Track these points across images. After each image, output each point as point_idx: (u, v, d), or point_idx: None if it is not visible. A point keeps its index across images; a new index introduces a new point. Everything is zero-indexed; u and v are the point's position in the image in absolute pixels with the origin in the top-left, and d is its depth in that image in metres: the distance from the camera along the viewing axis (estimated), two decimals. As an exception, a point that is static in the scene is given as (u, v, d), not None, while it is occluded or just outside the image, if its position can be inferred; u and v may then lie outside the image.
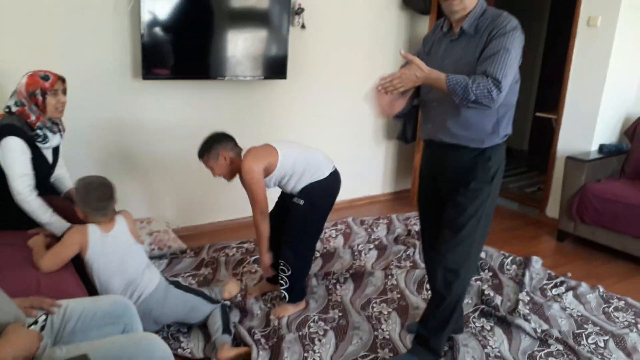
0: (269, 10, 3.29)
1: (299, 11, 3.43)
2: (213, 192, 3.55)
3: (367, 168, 4.25)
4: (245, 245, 3.34)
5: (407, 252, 3.28)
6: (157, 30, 2.96)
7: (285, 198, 2.57)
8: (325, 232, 3.58)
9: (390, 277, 2.99)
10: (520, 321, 2.54)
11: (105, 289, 2.06)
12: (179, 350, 2.25)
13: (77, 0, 2.78)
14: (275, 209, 2.64)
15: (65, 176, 2.53)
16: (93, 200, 2.02)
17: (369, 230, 3.69)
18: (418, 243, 3.35)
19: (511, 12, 1.87)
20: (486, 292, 2.80)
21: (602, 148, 3.71)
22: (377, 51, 4.01)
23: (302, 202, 2.43)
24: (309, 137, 3.82)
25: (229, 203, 3.65)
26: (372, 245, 3.42)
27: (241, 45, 3.26)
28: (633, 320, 2.64)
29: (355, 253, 3.30)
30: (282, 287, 2.53)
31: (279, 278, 2.54)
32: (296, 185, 2.45)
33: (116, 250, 2.07)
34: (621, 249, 3.32)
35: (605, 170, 3.61)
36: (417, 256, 3.25)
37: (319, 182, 2.45)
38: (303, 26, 3.50)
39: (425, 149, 2.17)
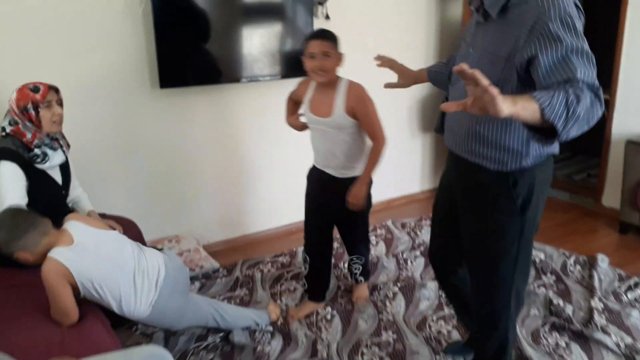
0: (291, 1, 3.01)
1: (323, 1, 3.15)
2: (243, 203, 3.32)
3: (403, 164, 3.96)
4: (280, 259, 3.10)
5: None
6: (172, 33, 2.71)
7: (326, 202, 2.36)
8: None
9: (385, 305, 2.59)
10: (599, 335, 2.24)
11: (122, 300, 1.81)
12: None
13: (82, 4, 2.54)
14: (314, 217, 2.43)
15: (82, 198, 2.32)
16: (20, 232, 1.67)
17: (412, 234, 3.41)
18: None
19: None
20: (554, 302, 2.51)
21: (664, 129, 3.36)
22: (408, 39, 3.70)
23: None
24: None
25: (260, 214, 3.41)
26: (418, 252, 3.14)
27: (264, 44, 3.00)
28: None
29: (401, 262, 3.03)
30: (357, 275, 2.58)
31: (353, 268, 2.56)
32: None
33: (98, 252, 1.79)
34: (696, 240, 2.98)
35: (671, 154, 3.26)
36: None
37: None
38: (327, 17, 3.21)
39: (448, 157, 1.77)
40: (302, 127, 2.39)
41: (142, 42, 2.72)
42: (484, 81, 1.06)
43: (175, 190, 3.05)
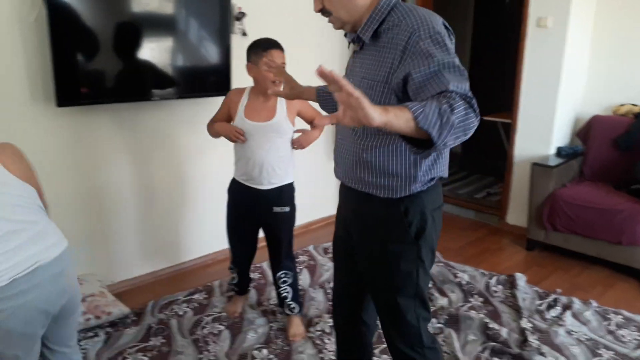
0: (207, 17, 2.76)
1: (240, 16, 2.93)
2: (149, 235, 2.95)
3: (322, 187, 3.84)
4: (196, 296, 2.79)
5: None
6: (71, 44, 2.31)
7: (254, 216, 2.39)
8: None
9: (324, 342, 2.40)
10: (537, 357, 2.28)
11: None
12: None
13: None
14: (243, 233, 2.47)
15: None
16: None
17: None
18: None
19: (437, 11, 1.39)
20: (490, 326, 2.52)
21: (560, 151, 3.63)
22: (327, 55, 3.62)
23: (287, 208, 2.36)
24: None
25: (169, 247, 3.06)
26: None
27: (176, 60, 2.70)
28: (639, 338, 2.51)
29: (328, 291, 2.88)
30: (288, 300, 2.44)
31: (282, 290, 2.44)
32: None
33: None
34: (596, 255, 3.22)
35: (567, 174, 3.52)
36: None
37: None
38: (244, 33, 3.00)
39: (340, 189, 1.65)
40: (227, 132, 2.28)
41: (33, 54, 2.29)
42: (344, 82, 0.99)
43: (70, 222, 2.60)
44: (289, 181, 2.36)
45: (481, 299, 2.82)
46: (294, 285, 2.46)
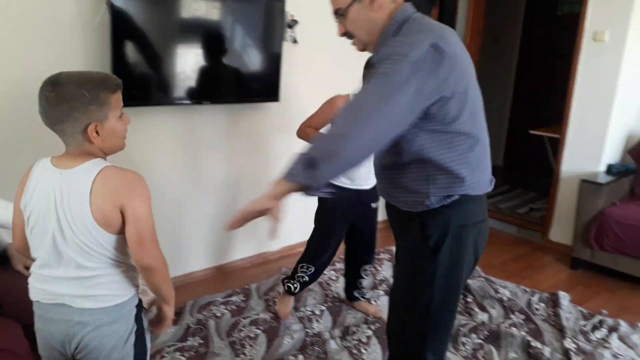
0: (263, 23, 2.82)
1: (292, 24, 2.97)
2: (192, 235, 3.01)
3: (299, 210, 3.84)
4: (234, 298, 2.82)
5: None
6: (129, 48, 2.40)
7: (351, 216, 2.52)
8: (268, 295, 2.95)
9: (361, 352, 2.38)
10: (582, 380, 2.20)
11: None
12: None
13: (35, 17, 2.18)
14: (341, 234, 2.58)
15: None
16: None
17: (324, 285, 3.06)
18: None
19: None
20: (532, 344, 2.45)
21: (610, 169, 3.51)
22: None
23: (378, 203, 2.53)
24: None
25: (209, 248, 3.11)
26: (324, 307, 2.80)
27: (227, 66, 2.76)
28: (692, 366, 2.39)
29: (304, 320, 2.67)
30: (364, 288, 2.73)
31: (362, 280, 2.69)
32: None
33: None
34: (646, 277, 3.09)
35: (618, 193, 3.40)
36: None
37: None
38: (295, 41, 3.04)
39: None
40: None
41: (94, 55, 2.38)
42: (237, 217, 1.33)
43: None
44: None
45: (522, 316, 2.75)
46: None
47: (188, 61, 2.60)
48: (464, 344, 2.48)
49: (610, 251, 3.17)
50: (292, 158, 1.28)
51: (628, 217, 3.11)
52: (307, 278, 2.59)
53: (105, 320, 1.32)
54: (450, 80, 1.27)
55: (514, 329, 2.61)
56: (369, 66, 1.54)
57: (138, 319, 1.40)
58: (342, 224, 2.54)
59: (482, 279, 3.15)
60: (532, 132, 4.22)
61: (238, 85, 2.86)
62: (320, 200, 2.50)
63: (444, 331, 1.50)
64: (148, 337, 1.47)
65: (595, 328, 2.66)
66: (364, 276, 2.69)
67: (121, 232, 1.30)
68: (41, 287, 1.33)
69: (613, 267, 3.23)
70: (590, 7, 3.39)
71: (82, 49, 2.36)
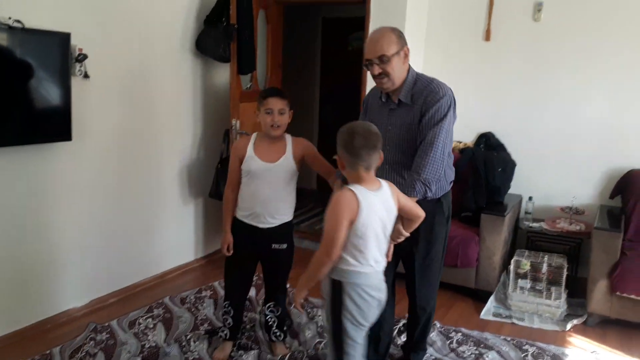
0: (46, 59, 2.57)
1: (81, 58, 2.77)
2: None
3: (175, 233, 3.70)
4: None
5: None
6: None
7: (254, 254, 2.56)
8: (139, 324, 2.92)
9: None
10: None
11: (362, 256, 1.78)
12: None
13: None
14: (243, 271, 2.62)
15: None
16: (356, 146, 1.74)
17: (192, 309, 3.15)
18: (257, 316, 3.00)
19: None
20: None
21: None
22: (175, 103, 3.55)
23: (285, 245, 2.54)
24: (101, 209, 3.13)
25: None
26: (203, 331, 2.89)
27: (10, 103, 2.45)
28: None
29: (184, 345, 2.72)
30: (274, 328, 2.67)
31: (269, 319, 2.66)
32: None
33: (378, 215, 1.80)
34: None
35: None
36: (259, 333, 2.87)
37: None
38: (86, 75, 2.83)
39: None
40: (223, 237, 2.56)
41: None
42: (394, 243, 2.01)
43: None
44: (288, 219, 2.54)
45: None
46: (281, 316, 2.67)
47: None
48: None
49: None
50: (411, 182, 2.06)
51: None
52: (231, 322, 2.62)
53: None
54: None
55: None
56: (385, 101, 2.25)
57: None
58: (241, 261, 2.56)
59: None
60: (334, 157, 4.54)
61: (21, 125, 2.56)
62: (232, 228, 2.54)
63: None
64: None
65: (399, 331, 2.94)
66: (268, 314, 2.66)
67: None
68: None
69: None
70: (371, 44, 3.84)
71: None
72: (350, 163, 1.76)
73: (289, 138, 2.49)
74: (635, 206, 3.38)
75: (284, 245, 2.54)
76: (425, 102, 2.10)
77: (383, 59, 2.07)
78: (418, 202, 2.04)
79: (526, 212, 3.75)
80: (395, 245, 2.01)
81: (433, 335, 2.90)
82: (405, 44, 2.14)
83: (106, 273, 3.22)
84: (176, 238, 3.73)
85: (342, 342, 1.83)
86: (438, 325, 3.01)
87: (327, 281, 1.82)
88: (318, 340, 2.81)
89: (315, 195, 5.99)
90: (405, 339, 2.69)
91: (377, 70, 2.10)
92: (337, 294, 1.79)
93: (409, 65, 2.19)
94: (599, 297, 3.07)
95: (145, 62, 3.28)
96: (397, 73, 2.10)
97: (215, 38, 3.55)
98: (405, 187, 2.04)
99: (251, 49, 3.72)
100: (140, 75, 3.26)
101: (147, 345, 2.70)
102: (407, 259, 2.34)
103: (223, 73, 3.88)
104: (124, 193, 3.25)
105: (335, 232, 1.70)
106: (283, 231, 2.52)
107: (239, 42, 3.59)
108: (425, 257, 2.29)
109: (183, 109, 3.64)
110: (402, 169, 2.19)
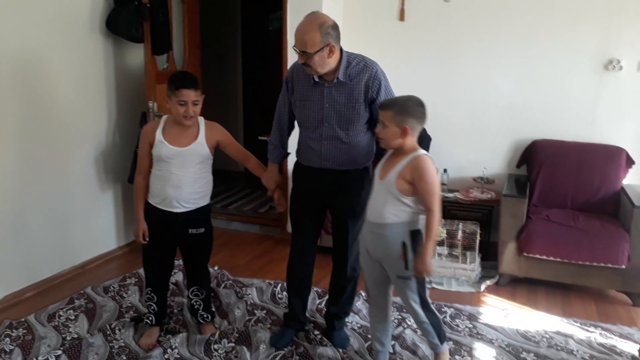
0: None
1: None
2: None
3: (94, 222, 3.56)
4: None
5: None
6: None
7: (171, 239, 2.53)
8: (59, 317, 2.81)
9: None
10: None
11: None
12: None
13: None
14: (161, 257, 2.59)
15: None
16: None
17: (117, 298, 3.07)
18: (185, 300, 2.97)
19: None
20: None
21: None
22: (83, 86, 3.38)
23: (202, 229, 2.53)
24: (3, 202, 2.96)
25: None
26: (128, 318, 2.84)
27: None
28: (398, 316, 2.92)
29: (109, 334, 2.66)
30: (200, 311, 2.68)
31: (194, 302, 2.67)
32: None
33: None
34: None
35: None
36: (188, 317, 2.85)
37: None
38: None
39: (309, 172, 2.46)
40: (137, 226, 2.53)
41: None
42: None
43: None
44: (205, 204, 2.52)
45: (265, 311, 2.96)
46: (206, 299, 2.68)
47: None
48: (216, 350, 2.55)
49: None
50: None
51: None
52: (154, 306, 2.59)
53: None
54: None
55: (260, 324, 2.79)
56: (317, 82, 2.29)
57: None
58: (159, 247, 2.53)
59: (231, 281, 3.28)
60: (260, 137, 4.55)
61: None
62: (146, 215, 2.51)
63: None
64: None
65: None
66: (192, 297, 2.66)
67: None
68: None
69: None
70: (289, 24, 3.84)
71: None
72: (417, 131, 2.08)
73: (202, 122, 2.47)
74: (538, 173, 3.67)
75: (202, 230, 2.53)
76: (367, 82, 2.26)
77: (305, 54, 2.13)
78: (350, 171, 2.36)
79: (442, 184, 3.95)
80: (331, 213, 2.48)
81: (358, 304, 3.02)
82: (332, 40, 2.14)
83: (19, 267, 3.06)
84: (95, 226, 3.59)
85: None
86: (363, 294, 3.13)
87: (402, 235, 2.07)
88: (247, 318, 2.85)
89: (242, 178, 5.96)
90: (326, 310, 2.76)
91: (301, 60, 2.17)
92: (418, 244, 2.06)
93: (340, 49, 2.23)
94: (508, 259, 3.32)
95: (47, 44, 3.10)
96: (320, 66, 2.17)
97: (127, 17, 3.40)
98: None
99: (166, 28, 3.61)
100: (42, 57, 3.07)
101: (68, 338, 2.62)
102: (340, 227, 2.47)
103: (138, 54, 3.74)
104: (29, 183, 3.08)
105: (438, 190, 2.03)
106: (199, 216, 2.51)
107: (153, 22, 3.47)
108: (356, 224, 2.40)
109: (93, 92, 3.48)
110: (339, 144, 2.32)
